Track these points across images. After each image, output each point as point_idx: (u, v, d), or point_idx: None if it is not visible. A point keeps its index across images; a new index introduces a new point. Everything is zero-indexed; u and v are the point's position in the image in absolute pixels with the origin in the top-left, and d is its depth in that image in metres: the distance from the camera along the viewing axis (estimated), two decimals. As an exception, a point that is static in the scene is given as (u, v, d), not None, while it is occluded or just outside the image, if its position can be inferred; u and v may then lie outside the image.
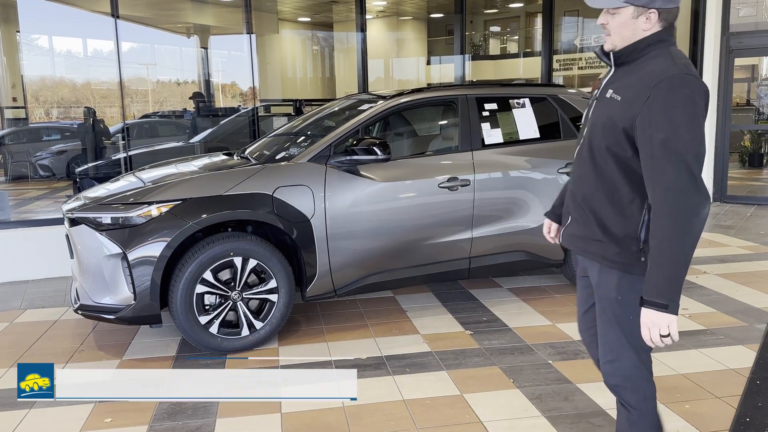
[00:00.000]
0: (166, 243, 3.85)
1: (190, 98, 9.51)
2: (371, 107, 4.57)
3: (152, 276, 3.86)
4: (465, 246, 4.67)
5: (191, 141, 8.76)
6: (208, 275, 3.99)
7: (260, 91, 12.11)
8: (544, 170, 4.87)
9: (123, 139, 7.56)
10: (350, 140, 4.38)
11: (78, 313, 4.08)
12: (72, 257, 4.34)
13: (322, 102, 13.88)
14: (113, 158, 7.92)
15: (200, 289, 3.98)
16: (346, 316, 4.79)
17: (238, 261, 4.04)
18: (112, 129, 9.01)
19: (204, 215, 3.92)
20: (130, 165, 7.18)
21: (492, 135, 4.81)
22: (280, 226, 4.10)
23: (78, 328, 4.63)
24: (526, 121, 4.97)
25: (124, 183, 4.52)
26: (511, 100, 4.98)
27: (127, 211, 3.91)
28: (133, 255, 3.83)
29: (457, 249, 4.66)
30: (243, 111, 9.23)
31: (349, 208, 4.26)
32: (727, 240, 7.09)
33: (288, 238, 4.29)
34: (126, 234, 3.88)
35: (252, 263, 4.08)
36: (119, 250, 3.86)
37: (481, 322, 4.61)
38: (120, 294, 3.93)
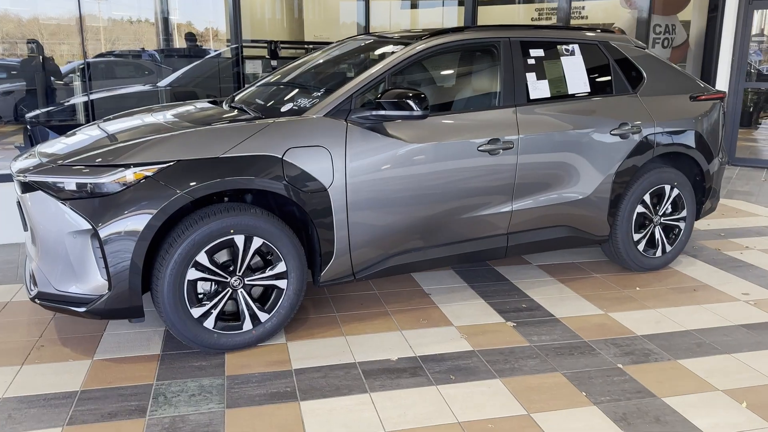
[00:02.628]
0: (150, 217, 3.01)
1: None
2: (397, 51, 3.72)
3: (132, 259, 3.03)
4: (503, 220, 3.94)
5: (160, 84, 7.75)
6: (202, 258, 3.17)
7: (228, 32, 11.02)
8: (596, 132, 4.13)
9: (82, 80, 6.54)
10: (373, 91, 3.56)
11: (36, 303, 3.23)
12: (26, 230, 3.46)
13: (296, 45, 12.80)
14: (71, 102, 6.88)
15: (192, 274, 3.17)
16: (360, 299, 4.05)
17: (239, 240, 3.23)
18: (64, 68, 7.96)
19: (198, 183, 3.08)
20: (92, 110, 6.19)
21: (538, 88, 4.03)
22: (293, 197, 3.29)
23: (35, 313, 3.78)
24: (575, 72, 4.20)
25: (89, 137, 3.61)
26: (559, 46, 4.19)
27: (97, 174, 3.05)
28: (106, 232, 2.99)
29: (494, 224, 3.92)
30: (218, 51, 8.21)
31: (374, 174, 3.47)
32: (752, 208, 6.53)
33: (296, 210, 3.49)
34: (96, 205, 3.02)
35: (257, 243, 3.27)
36: (88, 226, 3.01)
37: (521, 310, 3.92)
38: (90, 281, 3.09)
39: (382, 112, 3.42)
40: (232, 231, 3.20)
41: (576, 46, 4.23)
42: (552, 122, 3.99)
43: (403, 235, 3.64)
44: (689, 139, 4.49)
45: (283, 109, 3.64)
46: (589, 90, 4.21)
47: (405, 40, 3.90)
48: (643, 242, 4.52)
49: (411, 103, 3.35)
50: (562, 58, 4.17)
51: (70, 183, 3.07)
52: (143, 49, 9.45)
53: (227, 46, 9.89)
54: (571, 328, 3.68)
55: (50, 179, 3.11)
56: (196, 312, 3.21)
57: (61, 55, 8.54)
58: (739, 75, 8.59)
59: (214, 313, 3.26)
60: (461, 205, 3.77)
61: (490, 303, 4.01)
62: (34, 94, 7.39)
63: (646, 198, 4.44)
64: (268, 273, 3.35)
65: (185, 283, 3.16)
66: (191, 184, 3.07)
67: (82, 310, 3.09)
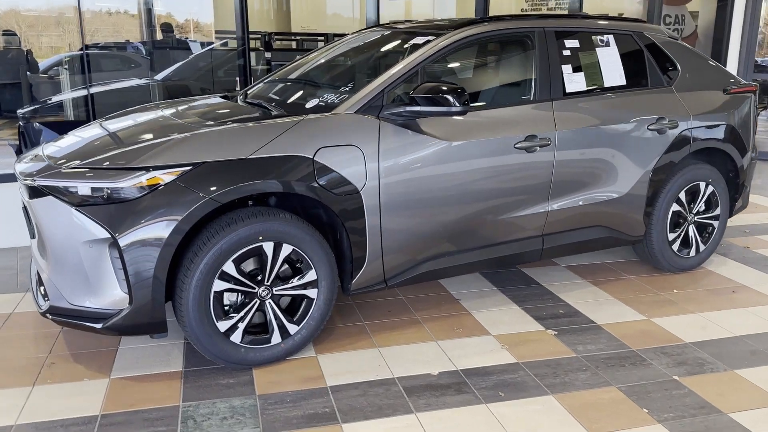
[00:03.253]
0: (174, 224, 2.76)
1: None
2: (428, 43, 3.48)
3: (155, 270, 2.78)
4: (539, 221, 3.73)
5: (157, 78, 7.45)
6: (229, 267, 2.93)
7: (215, 23, 10.71)
8: (634, 127, 3.93)
9: (82, 73, 6.23)
10: (404, 86, 3.33)
11: (47, 318, 2.97)
12: (33, 237, 3.19)
13: (290, 36, 12.46)
14: (63, 97, 6.55)
15: (219, 285, 2.93)
16: (386, 305, 3.82)
17: (268, 247, 2.99)
18: (48, 61, 7.65)
19: (226, 186, 2.83)
20: (93, 106, 5.89)
21: (574, 81, 3.81)
22: (324, 200, 3.05)
23: (41, 325, 3.52)
24: (611, 64, 3.99)
25: (98, 136, 3.35)
26: (594, 37, 3.97)
27: (114, 178, 2.79)
28: (126, 240, 2.73)
29: (529, 225, 3.71)
30: (221, 43, 7.93)
31: (407, 174, 3.24)
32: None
33: (323, 213, 3.26)
34: (114, 211, 2.77)
35: (286, 250, 3.03)
36: (105, 234, 2.75)
37: (558, 316, 3.71)
38: (108, 295, 2.84)
39: (417, 108, 3.19)
40: (260, 238, 2.96)
41: (611, 37, 4.02)
42: (589, 117, 3.78)
43: (436, 238, 3.42)
44: (724, 134, 4.30)
45: (308, 105, 3.39)
46: (624, 83, 4.00)
47: (433, 30, 3.66)
48: (678, 242, 4.34)
49: (450, 98, 3.11)
50: (597, 49, 3.95)
51: (83, 187, 2.81)
52: (128, 41, 9.13)
53: (218, 38, 9.66)
54: (615, 335, 3.48)
55: (61, 183, 2.85)
56: (223, 326, 2.97)
57: (40, 49, 8.22)
58: (748, 66, 8.44)
59: (242, 326, 3.02)
60: (496, 205, 3.55)
61: (524, 309, 3.80)
62: (14, 87, 7.04)
63: (681, 196, 4.25)
64: (298, 282, 3.11)
65: (211, 294, 2.91)
66: (219, 188, 2.82)
67: (100, 326, 2.83)
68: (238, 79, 9.98)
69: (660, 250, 4.27)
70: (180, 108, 3.74)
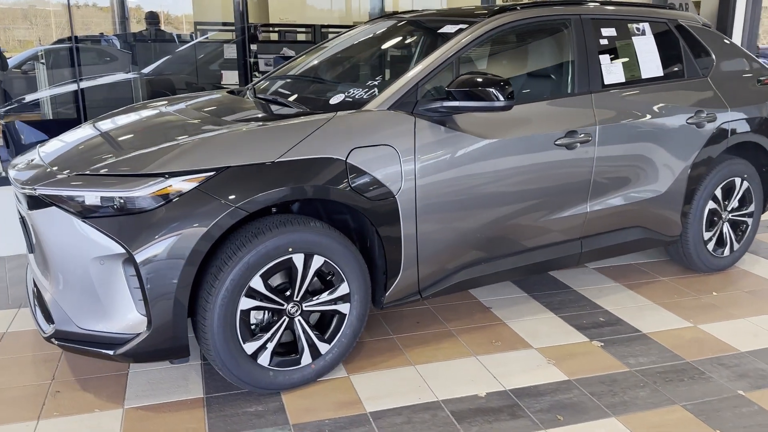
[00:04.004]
0: (198, 237, 2.45)
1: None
2: (461, 32, 3.19)
3: (177, 289, 2.47)
4: (578, 223, 3.48)
5: (143, 72, 7.07)
6: (257, 283, 2.63)
7: (194, 14, 10.31)
8: (673, 121, 3.70)
9: (73, 65, 5.85)
10: (434, 79, 3.05)
11: (52, 343, 2.64)
12: (31, 251, 2.86)
13: (276, 27, 12.05)
14: (44, 94, 6.15)
15: (246, 303, 2.63)
16: (414, 316, 3.55)
17: (298, 260, 2.70)
18: (22, 55, 7.22)
19: (254, 193, 2.53)
20: (84, 103, 5.52)
21: (612, 71, 3.56)
22: (358, 205, 2.77)
23: (39, 346, 3.19)
24: (647, 54, 3.74)
25: (98, 138, 3.03)
26: (630, 25, 3.72)
27: (128, 186, 2.47)
28: (143, 256, 2.42)
29: (568, 228, 3.46)
30: (203, 37, 7.56)
31: (443, 175, 2.96)
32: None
33: (350, 219, 2.98)
34: (128, 223, 2.45)
35: (318, 262, 2.74)
36: (120, 249, 2.43)
37: (600, 324, 3.47)
38: (123, 317, 2.52)
39: (456, 103, 2.90)
40: (290, 249, 2.66)
41: (646, 25, 3.77)
42: (629, 110, 3.53)
43: (472, 244, 3.16)
44: (761, 127, 4.09)
45: (333, 101, 3.09)
46: (661, 73, 3.76)
47: (458, 18, 3.38)
48: (713, 241, 4.12)
49: (493, 92, 2.83)
50: (634, 38, 3.70)
51: (92, 197, 2.49)
52: (101, 34, 8.70)
53: (201, 30, 9.28)
54: (665, 345, 3.25)
55: (66, 192, 2.52)
56: (250, 347, 2.68)
57: (7, 43, 7.77)
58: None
59: (270, 347, 2.73)
60: (535, 207, 3.29)
61: (562, 317, 3.55)
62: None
63: (717, 193, 4.04)
64: (329, 296, 2.82)
65: (237, 314, 2.61)
66: (245, 195, 2.51)
67: (114, 352, 2.52)
68: (223, 73, 9.54)
69: (695, 250, 4.06)
70: (187, 105, 3.42)
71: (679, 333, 3.39)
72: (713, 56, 4.02)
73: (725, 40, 4.17)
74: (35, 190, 2.59)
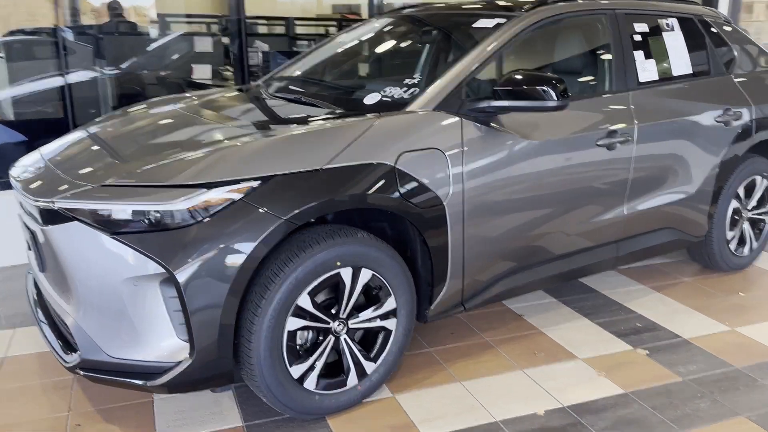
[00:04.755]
0: (246, 254, 2.22)
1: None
2: (500, 26, 3.02)
3: (223, 312, 2.23)
4: (615, 226, 3.36)
5: (123, 67, 6.70)
6: (304, 301, 2.41)
7: (156, 5, 9.87)
8: (704, 119, 3.60)
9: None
10: (470, 78, 2.87)
11: (77, 374, 2.37)
12: (42, 270, 2.58)
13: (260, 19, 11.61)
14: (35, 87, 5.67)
15: (293, 324, 2.41)
16: (446, 326, 3.37)
17: (346, 274, 2.49)
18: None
19: (302, 204, 2.30)
20: (71, 99, 5.15)
21: (647, 69, 3.44)
22: (407, 214, 2.57)
23: (46, 372, 2.90)
24: (677, 51, 3.64)
25: (112, 142, 2.76)
26: (660, 20, 3.60)
27: (165, 198, 2.21)
28: (186, 276, 2.17)
29: (606, 230, 3.34)
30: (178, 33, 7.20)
31: (491, 178, 2.79)
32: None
33: (387, 228, 2.78)
34: (168, 240, 2.20)
35: (365, 276, 2.54)
36: (158, 269, 2.18)
37: (639, 331, 3.36)
38: (161, 343, 2.27)
39: (506, 103, 2.73)
40: (338, 264, 2.45)
41: (675, 21, 3.66)
42: (664, 109, 3.43)
43: (515, 251, 3.00)
44: (789, 124, 4.04)
45: (368, 101, 2.87)
46: (690, 70, 3.66)
47: (494, 12, 3.20)
48: (735, 240, 4.06)
49: (548, 91, 2.66)
50: (664, 34, 3.59)
51: (123, 210, 2.23)
52: (55, 26, 8.17)
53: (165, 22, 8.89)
54: (710, 351, 3.15)
55: (93, 206, 2.26)
56: (296, 371, 2.46)
57: None
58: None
59: (317, 369, 2.51)
60: (576, 210, 3.15)
61: (598, 323, 3.43)
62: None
63: (740, 191, 3.97)
64: (377, 312, 2.62)
65: (284, 335, 2.39)
66: (294, 206, 2.29)
67: (153, 383, 2.26)
68: (194, 67, 9.14)
69: (719, 249, 3.99)
70: (202, 106, 3.16)
71: (719, 337, 3.30)
72: (735, 53, 3.94)
73: (744, 36, 4.10)
74: (53, 203, 2.31)
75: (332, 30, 11.49)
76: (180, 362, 2.25)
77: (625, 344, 3.21)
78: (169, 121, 3.00)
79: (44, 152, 2.85)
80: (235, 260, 2.21)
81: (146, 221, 2.21)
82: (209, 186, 2.23)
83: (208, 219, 2.21)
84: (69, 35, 6.98)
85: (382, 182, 2.49)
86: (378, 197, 2.48)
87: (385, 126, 2.58)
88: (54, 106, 5.56)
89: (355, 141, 2.48)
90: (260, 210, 2.25)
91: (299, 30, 10.99)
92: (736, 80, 3.87)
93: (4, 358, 3.04)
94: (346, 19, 13.13)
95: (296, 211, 2.28)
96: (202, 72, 9.57)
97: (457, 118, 2.72)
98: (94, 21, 8.34)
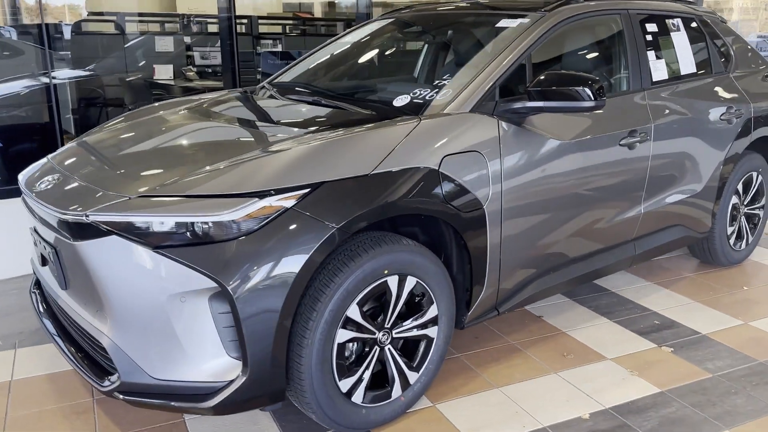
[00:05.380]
0: (301, 265, 2.12)
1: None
2: (527, 25, 2.98)
3: (277, 324, 2.13)
4: (633, 224, 3.38)
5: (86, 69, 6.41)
6: (353, 312, 2.32)
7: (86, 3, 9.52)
8: (711, 117, 3.67)
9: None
10: (501, 79, 2.83)
11: (116, 398, 2.22)
12: (65, 287, 2.41)
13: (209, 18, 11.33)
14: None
15: (343, 335, 2.32)
16: (468, 330, 3.33)
17: (393, 283, 2.41)
18: None
19: (354, 212, 2.22)
20: (55, 102, 4.87)
21: (658, 68, 3.47)
22: (451, 219, 2.51)
23: (62, 395, 2.72)
24: (683, 50, 3.68)
25: (137, 149, 2.61)
26: (667, 20, 3.64)
27: (214, 208, 2.09)
28: (240, 290, 2.06)
29: (625, 229, 3.36)
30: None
31: (526, 179, 2.76)
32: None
33: (419, 232, 2.72)
34: (218, 252, 2.07)
35: (410, 283, 2.46)
36: (210, 284, 2.06)
37: (659, 328, 3.39)
38: (211, 363, 2.15)
39: (541, 104, 2.69)
40: (386, 272, 2.37)
41: (680, 21, 3.71)
42: (676, 108, 3.46)
43: (547, 253, 2.98)
44: (775, 121, 4.15)
45: (398, 103, 2.80)
46: (695, 70, 3.72)
47: (511, 11, 3.17)
48: (734, 235, 4.15)
49: (585, 91, 2.63)
50: (672, 34, 3.63)
51: (167, 223, 2.10)
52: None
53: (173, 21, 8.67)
54: (730, 346, 3.20)
55: (134, 218, 2.11)
56: (345, 384, 2.37)
57: None
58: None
59: (365, 381, 2.43)
60: (601, 210, 3.16)
61: (617, 322, 3.44)
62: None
63: (739, 187, 4.06)
64: (420, 320, 2.55)
65: (334, 348, 2.29)
66: (346, 214, 2.20)
67: (203, 405, 2.13)
68: (156, 67, 8.88)
69: (720, 244, 4.07)
70: (220, 110, 3.03)
71: (735, 332, 3.36)
72: (732, 52, 4.02)
73: (737, 35, 4.19)
74: (86, 216, 2.15)
75: (290, 29, 11.29)
76: (233, 381, 2.13)
77: (649, 342, 3.23)
78: (192, 125, 2.86)
79: (57, 160, 2.67)
80: (289, 271, 2.11)
81: (192, 233, 2.09)
82: (262, 194, 2.12)
83: (259, 229, 2.10)
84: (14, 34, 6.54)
85: (428, 187, 2.42)
86: (425, 202, 2.41)
87: (427, 128, 2.51)
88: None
89: (399, 145, 2.41)
90: (313, 218, 2.15)
91: (262, 29, 10.79)
92: (735, 79, 3.94)
93: (11, 381, 2.84)
94: (302, 18, 12.94)
95: (349, 219, 2.19)
96: (164, 72, 9.30)
97: (494, 119, 2.67)
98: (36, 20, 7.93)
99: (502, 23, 3.09)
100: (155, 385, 2.16)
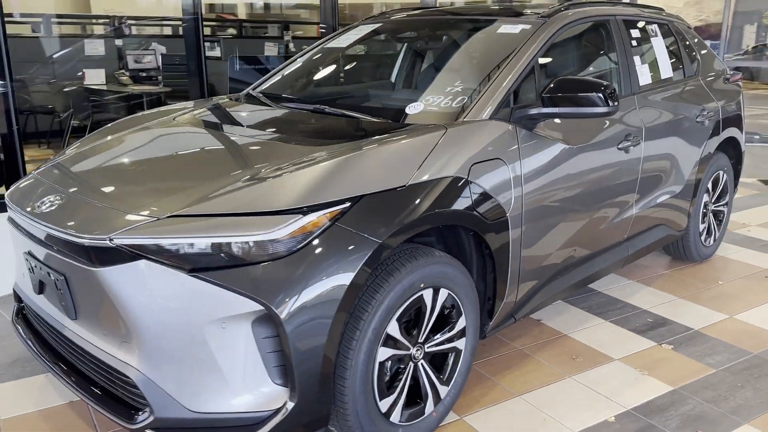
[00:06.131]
0: (348, 282, 2.03)
1: None
2: (529, 31, 2.98)
3: (325, 347, 2.02)
4: (626, 226, 3.46)
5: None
6: (393, 328, 2.25)
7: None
8: (689, 119, 3.80)
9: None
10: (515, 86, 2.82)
11: (149, 436, 2.06)
12: (74, 317, 2.21)
13: (141, 20, 10.86)
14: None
15: (383, 354, 2.23)
16: (473, 338, 3.29)
17: (428, 296, 2.35)
18: None
19: (395, 225, 2.14)
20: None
21: (644, 73, 3.56)
22: (480, 228, 2.48)
23: (65, 429, 2.51)
24: (661, 55, 3.80)
25: (146, 163, 2.45)
26: (648, 26, 3.74)
27: (255, 227, 1.96)
28: (287, 312, 1.94)
29: (621, 231, 3.44)
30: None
31: (541, 185, 2.76)
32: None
33: (435, 241, 2.67)
34: (261, 273, 1.95)
35: (443, 296, 2.41)
36: (254, 307, 1.94)
37: (652, 326, 3.48)
38: (255, 391, 2.02)
39: (555, 110, 2.69)
40: (422, 285, 2.30)
41: (657, 27, 3.82)
42: (661, 111, 3.57)
43: (557, 257, 3.00)
44: (738, 122, 4.34)
45: (411, 111, 2.73)
46: (672, 74, 3.84)
47: (509, 16, 3.18)
48: (705, 232, 4.32)
49: (599, 96, 2.65)
50: (652, 40, 3.73)
51: (199, 244, 1.96)
52: None
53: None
54: (724, 340, 3.32)
55: (166, 240, 1.96)
56: (384, 404, 2.29)
57: None
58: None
59: (402, 399, 2.35)
60: (603, 212, 3.21)
61: (613, 322, 3.50)
62: None
63: (709, 186, 4.22)
64: (450, 333, 2.50)
65: (375, 367, 2.21)
66: (387, 228, 2.12)
67: (248, 438, 2.00)
68: (86, 72, 8.42)
69: (694, 241, 4.22)
70: (221, 120, 2.90)
71: (724, 326, 3.48)
72: (699, 56, 4.18)
73: (701, 40, 4.36)
74: (110, 240, 1.98)
75: (219, 30, 10.94)
76: (280, 409, 2.01)
77: (649, 340, 3.30)
78: (195, 137, 2.71)
79: (52, 178, 2.46)
80: (337, 290, 2.01)
81: (229, 254, 1.96)
82: (303, 211, 2.01)
83: (304, 247, 1.99)
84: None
85: (459, 196, 2.37)
86: (459, 212, 2.36)
87: (454, 137, 2.46)
88: None
89: (430, 154, 2.35)
90: (356, 234, 2.06)
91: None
92: (704, 82, 4.10)
93: (0, 421, 2.59)
94: (225, 20, 12.60)
95: (392, 233, 2.11)
96: (95, 77, 8.85)
97: (511, 126, 2.66)
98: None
99: (503, 29, 3.08)
100: (193, 419, 2.01)
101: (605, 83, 2.68)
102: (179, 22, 10.39)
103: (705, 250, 4.37)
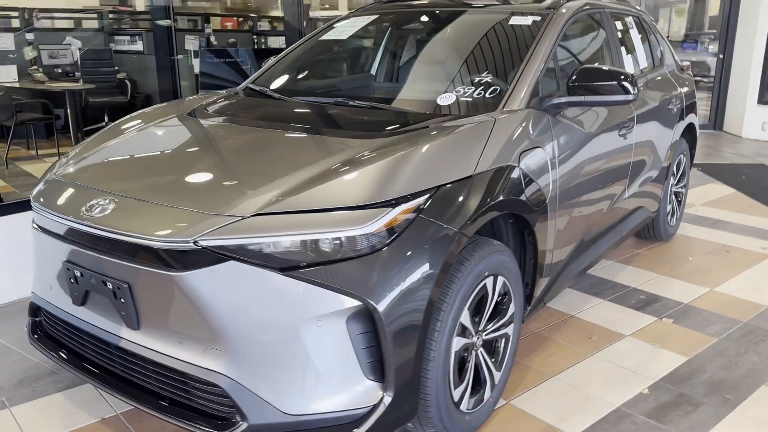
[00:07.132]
0: (437, 274, 2.04)
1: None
2: (541, 22, 3.07)
3: (418, 341, 2.02)
4: (621, 209, 3.63)
5: None
6: (465, 318, 2.27)
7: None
8: (665, 105, 4.04)
9: None
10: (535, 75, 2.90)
11: (244, 445, 1.97)
12: (137, 327, 2.09)
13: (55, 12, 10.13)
14: None
15: (458, 343, 2.26)
16: (488, 325, 3.37)
17: (489, 284, 2.39)
18: None
19: (469, 215, 2.17)
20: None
21: (629, 62, 3.75)
22: (528, 215, 2.55)
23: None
24: (638, 46, 4.01)
25: (198, 162, 2.34)
26: (625, 18, 3.94)
27: (347, 222, 1.93)
28: (385, 306, 1.93)
29: (618, 213, 3.61)
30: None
31: (568, 170, 2.86)
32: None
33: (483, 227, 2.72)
34: (359, 269, 1.93)
35: (499, 284, 2.46)
36: (352, 303, 1.91)
37: (647, 302, 3.68)
38: (351, 388, 1.99)
39: (581, 98, 2.80)
40: (486, 274, 2.34)
41: (632, 19, 4.03)
42: (645, 99, 3.76)
43: (577, 240, 3.11)
44: (695, 109, 4.65)
45: (442, 101, 2.75)
46: (646, 64, 4.06)
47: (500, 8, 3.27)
48: (670, 212, 4.60)
49: (622, 85, 2.77)
50: (630, 32, 3.93)
51: (290, 242, 1.91)
52: None
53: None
54: (715, 312, 3.57)
55: (256, 240, 1.89)
56: (457, 393, 2.31)
57: None
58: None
59: (469, 388, 2.38)
60: (609, 195, 3.38)
61: (611, 300, 3.68)
62: None
63: (674, 169, 4.50)
64: (504, 320, 2.55)
65: (452, 357, 2.23)
66: (462, 217, 2.14)
67: (346, 438, 1.97)
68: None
69: (663, 221, 4.49)
70: (252, 116, 2.83)
71: (710, 298, 3.73)
72: (660, 47, 4.44)
73: (660, 32, 4.63)
74: (194, 243, 1.89)
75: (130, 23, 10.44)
76: (377, 405, 1.99)
77: (650, 316, 3.49)
78: (240, 133, 2.62)
79: (85, 179, 2.30)
80: (428, 282, 2.01)
81: (319, 251, 1.91)
82: (392, 204, 1.99)
83: (394, 240, 1.97)
84: None
85: (515, 184, 2.43)
86: (515, 200, 2.42)
87: (502, 126, 2.50)
88: None
89: (487, 144, 2.38)
90: (438, 224, 2.07)
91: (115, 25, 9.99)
92: (668, 71, 4.36)
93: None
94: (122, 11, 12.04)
95: (465, 223, 2.14)
96: (6, 74, 8.30)
97: (545, 115, 2.73)
98: None
99: (514, 21, 3.15)
100: (291, 423, 1.95)
101: (625, 72, 2.80)
102: (94, 15, 9.86)
103: (670, 230, 4.66)
